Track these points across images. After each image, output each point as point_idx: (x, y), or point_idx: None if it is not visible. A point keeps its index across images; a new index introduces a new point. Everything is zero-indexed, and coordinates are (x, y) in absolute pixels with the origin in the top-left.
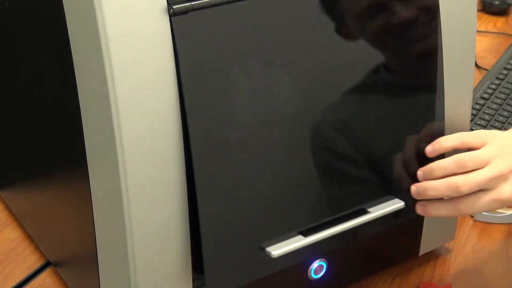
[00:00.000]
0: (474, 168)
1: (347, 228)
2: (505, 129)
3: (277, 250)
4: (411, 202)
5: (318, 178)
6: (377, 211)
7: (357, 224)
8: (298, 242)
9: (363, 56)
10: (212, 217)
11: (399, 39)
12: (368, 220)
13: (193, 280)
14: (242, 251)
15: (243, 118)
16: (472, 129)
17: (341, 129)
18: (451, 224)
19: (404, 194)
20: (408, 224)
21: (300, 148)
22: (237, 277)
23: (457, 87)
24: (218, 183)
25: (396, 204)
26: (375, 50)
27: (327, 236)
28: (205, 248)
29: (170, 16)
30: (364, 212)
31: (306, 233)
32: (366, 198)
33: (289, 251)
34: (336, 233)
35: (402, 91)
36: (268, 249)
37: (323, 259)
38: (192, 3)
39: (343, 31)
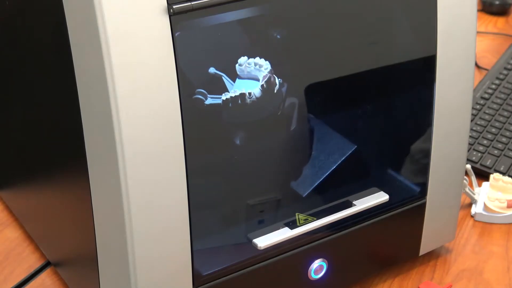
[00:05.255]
0: None
1: (332, 221)
2: (505, 129)
3: (263, 242)
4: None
5: (305, 171)
6: (362, 204)
7: (342, 217)
8: (284, 234)
9: (362, 59)
10: (202, 209)
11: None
12: (353, 213)
13: (193, 280)
14: (230, 242)
15: (239, 119)
16: (472, 129)
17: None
18: (451, 224)
19: (389, 187)
20: (408, 224)
21: (287, 143)
22: (226, 268)
23: (457, 87)
24: (209, 178)
25: (381, 198)
26: (373, 53)
27: (313, 229)
28: (195, 240)
29: (170, 16)
30: (349, 205)
31: (292, 226)
32: (352, 191)
33: (275, 243)
34: (321, 225)
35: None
36: (255, 240)
37: (323, 259)
38: (192, 3)
39: None
